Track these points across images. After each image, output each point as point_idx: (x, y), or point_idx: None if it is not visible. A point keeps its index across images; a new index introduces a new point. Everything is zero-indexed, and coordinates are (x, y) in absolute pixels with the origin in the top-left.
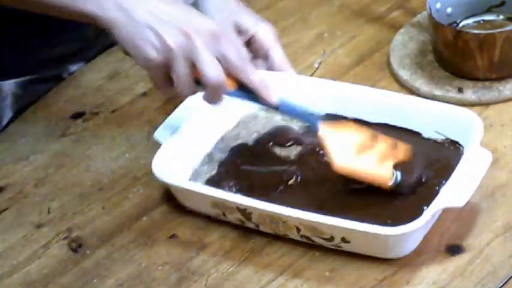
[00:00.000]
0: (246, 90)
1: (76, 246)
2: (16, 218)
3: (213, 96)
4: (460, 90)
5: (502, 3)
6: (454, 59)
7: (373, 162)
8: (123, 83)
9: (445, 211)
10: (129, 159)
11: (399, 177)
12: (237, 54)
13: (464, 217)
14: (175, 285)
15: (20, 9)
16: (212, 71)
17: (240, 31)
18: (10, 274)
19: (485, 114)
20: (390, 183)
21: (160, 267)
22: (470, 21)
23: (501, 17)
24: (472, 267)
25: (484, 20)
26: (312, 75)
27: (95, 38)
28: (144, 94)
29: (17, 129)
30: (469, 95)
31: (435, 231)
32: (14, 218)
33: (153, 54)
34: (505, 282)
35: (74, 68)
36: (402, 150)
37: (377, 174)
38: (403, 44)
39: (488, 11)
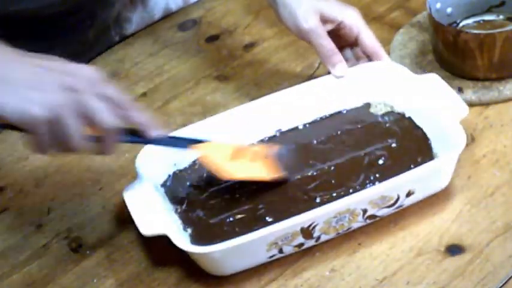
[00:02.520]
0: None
1: (76, 246)
2: (16, 218)
3: (109, 142)
4: (460, 90)
5: (502, 3)
6: (454, 59)
7: (248, 163)
8: (123, 83)
9: (444, 211)
10: (129, 159)
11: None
12: (120, 94)
13: (464, 217)
14: (175, 285)
15: (19, 16)
16: (107, 116)
17: (326, 20)
18: (10, 274)
19: (485, 114)
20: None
21: (160, 267)
22: (470, 21)
23: (501, 17)
24: (472, 267)
25: (484, 20)
26: (312, 75)
27: (94, 41)
28: (144, 94)
29: None
30: (469, 95)
31: (435, 231)
32: (14, 218)
33: (37, 111)
34: (505, 282)
35: None
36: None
37: (256, 171)
38: (403, 44)
39: (488, 11)
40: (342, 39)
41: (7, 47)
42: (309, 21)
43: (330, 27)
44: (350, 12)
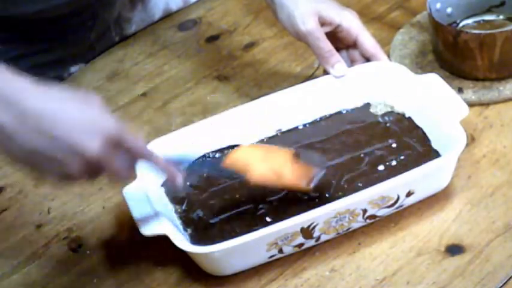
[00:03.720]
0: None
1: (76, 246)
2: (16, 218)
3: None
4: (460, 90)
5: (502, 3)
6: (454, 59)
7: (285, 171)
8: (123, 83)
9: (444, 211)
10: None
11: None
12: (142, 143)
13: (464, 217)
14: (175, 285)
15: (23, 18)
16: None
17: (324, 22)
18: (10, 274)
19: (485, 114)
20: (310, 185)
21: (160, 267)
22: (470, 21)
23: (501, 17)
24: (472, 267)
25: (484, 20)
26: (312, 75)
27: (94, 41)
28: (144, 94)
29: None
30: (469, 95)
31: (435, 231)
32: (14, 218)
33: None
34: (505, 282)
35: (74, 68)
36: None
37: (294, 181)
38: (403, 44)
39: (488, 11)
40: (340, 41)
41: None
42: (306, 24)
43: (328, 29)
44: (348, 14)
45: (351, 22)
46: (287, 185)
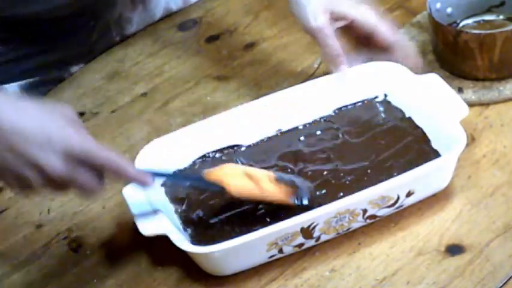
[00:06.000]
0: None
1: (76, 246)
2: (16, 218)
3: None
4: (460, 90)
5: (502, 3)
6: (454, 59)
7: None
8: (123, 83)
9: (444, 211)
10: (129, 159)
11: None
12: (109, 159)
13: (464, 217)
14: (175, 285)
15: (25, 18)
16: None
17: (337, 18)
18: (10, 274)
19: (485, 114)
20: (291, 200)
21: (160, 267)
22: (470, 21)
23: (501, 17)
24: (472, 267)
25: (484, 20)
26: (312, 75)
27: (96, 41)
28: (144, 94)
29: None
30: (469, 95)
31: (435, 231)
32: (14, 218)
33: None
34: (505, 282)
35: (74, 69)
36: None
37: (278, 194)
38: None
39: (488, 11)
40: (357, 35)
41: None
42: (317, 20)
43: (341, 23)
44: (362, 10)
45: (366, 18)
46: (270, 199)
